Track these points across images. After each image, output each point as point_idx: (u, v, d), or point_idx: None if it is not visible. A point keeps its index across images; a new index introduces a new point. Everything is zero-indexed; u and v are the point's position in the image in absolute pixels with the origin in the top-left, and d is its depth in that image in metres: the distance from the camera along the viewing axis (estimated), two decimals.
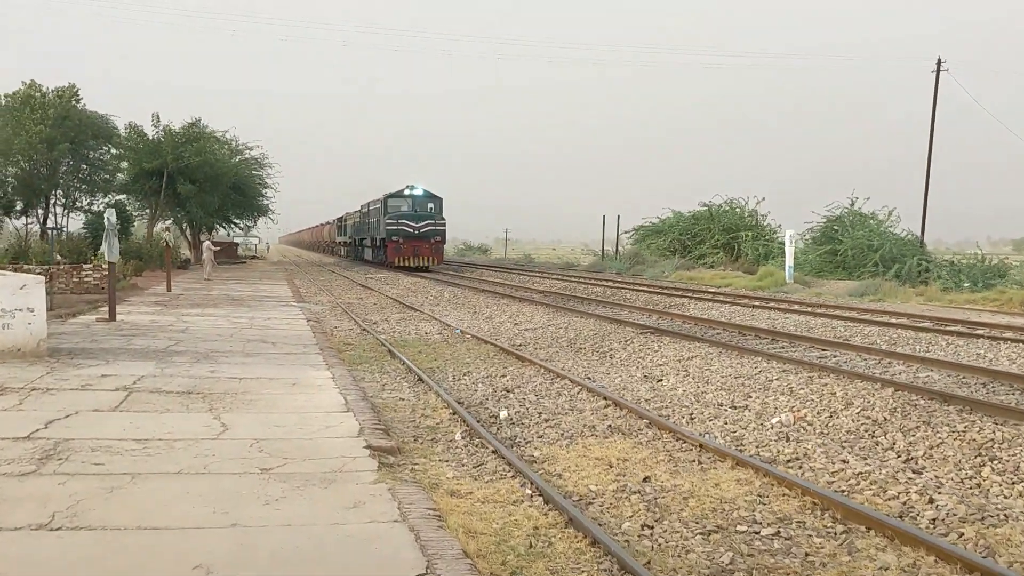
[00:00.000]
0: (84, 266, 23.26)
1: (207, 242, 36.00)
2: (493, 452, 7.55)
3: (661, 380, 11.76)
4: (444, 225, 45.84)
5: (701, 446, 7.88)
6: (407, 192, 45.56)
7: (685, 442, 8.07)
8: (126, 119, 42.09)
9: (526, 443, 8.10)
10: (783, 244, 45.76)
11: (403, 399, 10.10)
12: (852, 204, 40.89)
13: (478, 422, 8.84)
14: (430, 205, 45.65)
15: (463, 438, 8.11)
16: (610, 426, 8.73)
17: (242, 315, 18.31)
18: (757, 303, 24.17)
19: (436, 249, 45.09)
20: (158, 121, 41.21)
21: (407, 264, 43.85)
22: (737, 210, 48.41)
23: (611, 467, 7.20)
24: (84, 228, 37.66)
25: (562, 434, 8.41)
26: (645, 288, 30.64)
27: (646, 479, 6.83)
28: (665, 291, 29.15)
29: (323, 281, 35.71)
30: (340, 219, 69.86)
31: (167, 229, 34.98)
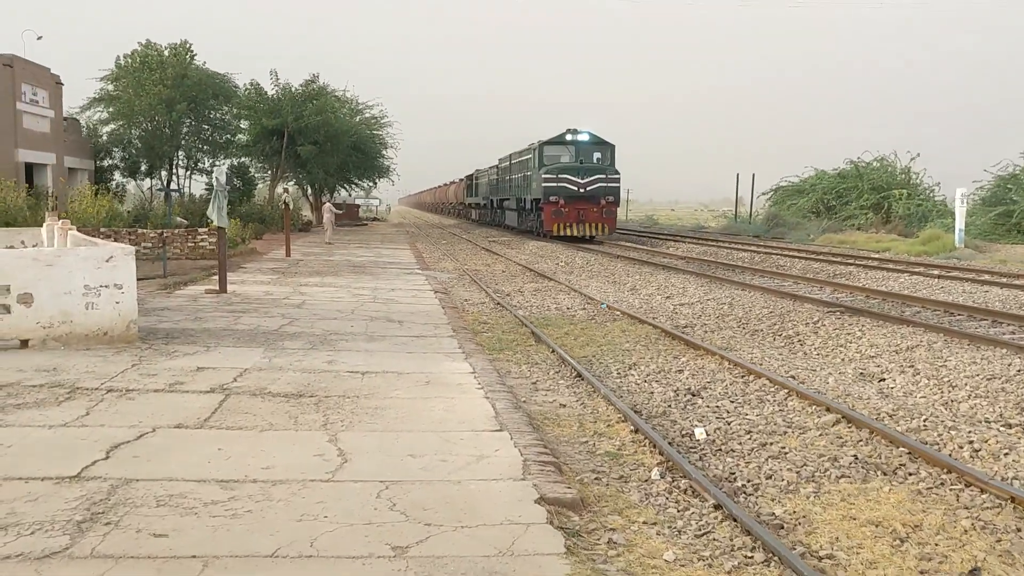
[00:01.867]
0: (200, 230, 22.03)
1: (328, 204, 34.77)
2: (715, 507, 5.29)
3: (884, 379, 9.22)
4: (618, 181, 34.39)
5: (1013, 499, 5.43)
6: (569, 138, 34.73)
7: (983, 491, 5.62)
8: (245, 77, 41.30)
9: (754, 488, 5.78)
10: (942, 204, 41.59)
11: (564, 405, 7.94)
12: None
13: (670, 444, 6.61)
14: (597, 155, 34.60)
15: (662, 476, 5.89)
16: (857, 458, 6.33)
17: (364, 285, 16.56)
18: (937, 272, 20.98)
19: (608, 213, 33.70)
20: (276, 78, 40.16)
21: (570, 233, 33.25)
22: (888, 168, 44.28)
23: (901, 542, 4.83)
24: (206, 189, 37.05)
25: (798, 473, 6.05)
26: (795, 253, 27.63)
27: (973, 572, 4.45)
28: (819, 257, 26.12)
29: (445, 245, 33.97)
30: (470, 176, 59.23)
31: (287, 191, 33.94)
